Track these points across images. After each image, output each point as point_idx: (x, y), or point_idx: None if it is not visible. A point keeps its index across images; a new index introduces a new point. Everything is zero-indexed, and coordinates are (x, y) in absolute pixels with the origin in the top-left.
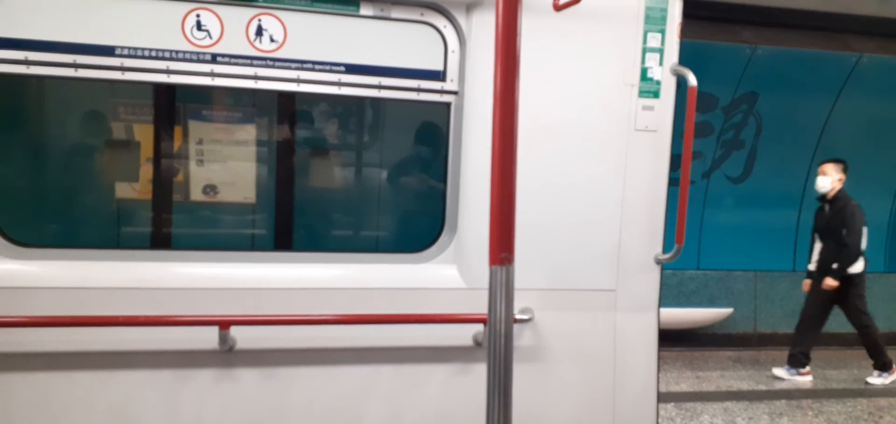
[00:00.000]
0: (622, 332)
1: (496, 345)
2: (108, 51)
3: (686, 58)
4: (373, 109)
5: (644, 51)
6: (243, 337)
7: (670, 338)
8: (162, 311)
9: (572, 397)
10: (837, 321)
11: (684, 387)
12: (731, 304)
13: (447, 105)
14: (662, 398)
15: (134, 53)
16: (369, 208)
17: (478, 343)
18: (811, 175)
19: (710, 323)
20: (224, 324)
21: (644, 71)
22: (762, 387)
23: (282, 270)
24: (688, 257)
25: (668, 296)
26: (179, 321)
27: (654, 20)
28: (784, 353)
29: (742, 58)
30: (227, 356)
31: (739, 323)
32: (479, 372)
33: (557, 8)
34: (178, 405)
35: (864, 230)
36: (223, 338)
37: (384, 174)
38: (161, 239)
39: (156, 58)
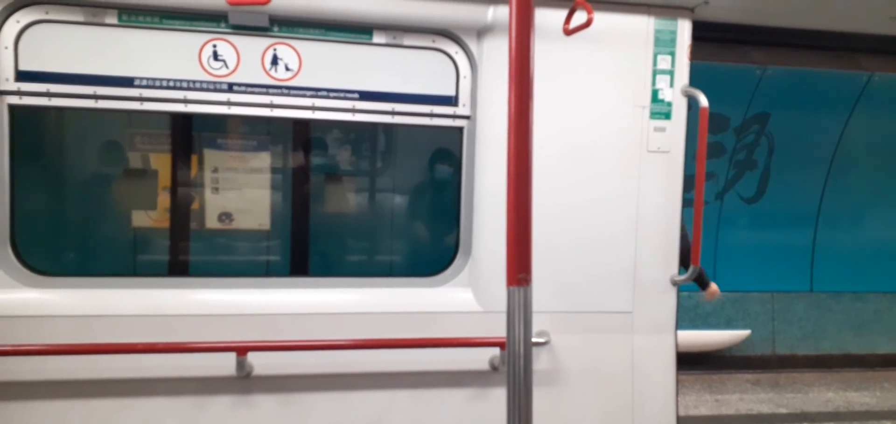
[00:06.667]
0: (640, 354)
1: (515, 366)
2: (127, 82)
3: (697, 79)
4: (386, 135)
5: (654, 73)
6: (261, 363)
7: (688, 361)
8: (179, 338)
9: (590, 421)
10: (858, 343)
11: (704, 411)
12: (749, 326)
13: (460, 130)
14: (682, 422)
15: (152, 83)
16: (384, 232)
17: (494, 368)
18: (826, 194)
19: (728, 345)
20: (241, 350)
21: (655, 93)
22: (783, 410)
23: (298, 295)
24: None
25: (684, 318)
26: (197, 347)
27: (664, 43)
28: (804, 375)
29: (753, 79)
30: (244, 382)
31: (757, 345)
32: (495, 397)
33: (568, 32)
34: None
35: None
36: (241, 365)
37: (398, 199)
38: (178, 266)
39: (173, 88)
